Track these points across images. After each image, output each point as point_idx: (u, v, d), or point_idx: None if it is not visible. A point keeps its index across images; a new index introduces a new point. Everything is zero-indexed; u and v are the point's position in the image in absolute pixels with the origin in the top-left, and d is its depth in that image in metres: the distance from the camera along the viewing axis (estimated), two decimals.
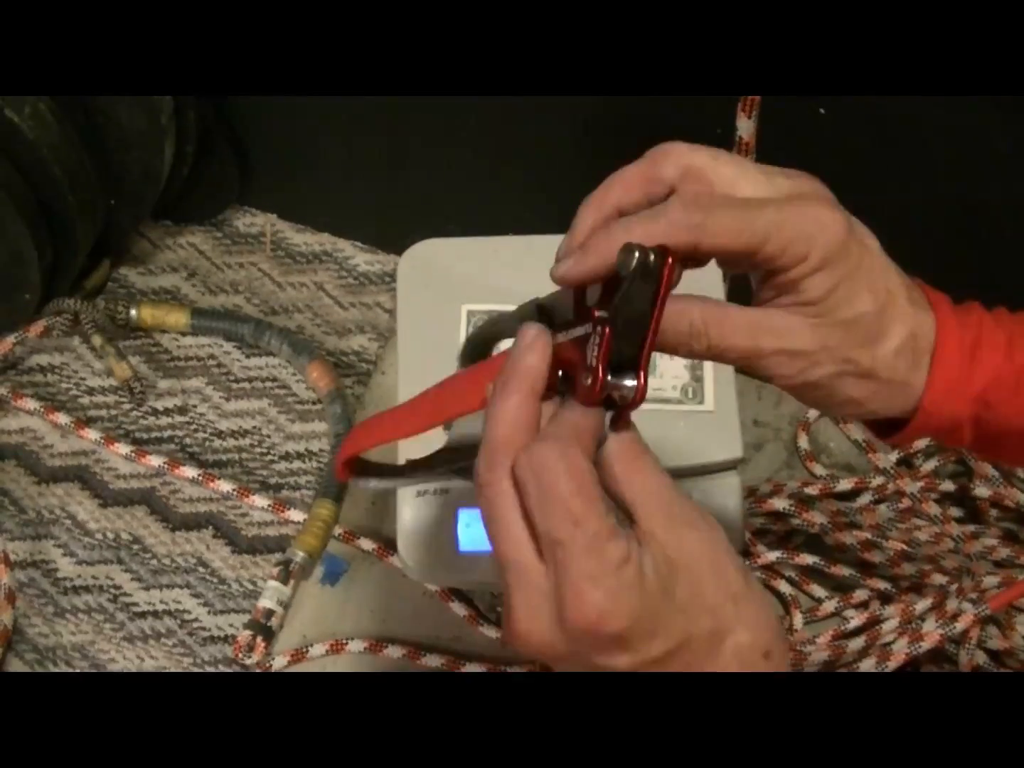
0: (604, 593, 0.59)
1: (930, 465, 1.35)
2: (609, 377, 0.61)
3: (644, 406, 0.92)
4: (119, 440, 1.41)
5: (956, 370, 0.71)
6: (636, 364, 0.62)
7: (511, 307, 1.06)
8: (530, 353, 0.64)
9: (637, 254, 0.60)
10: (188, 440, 1.43)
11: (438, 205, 1.43)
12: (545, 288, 1.08)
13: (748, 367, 0.69)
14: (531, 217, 1.14)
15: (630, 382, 0.61)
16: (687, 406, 1.04)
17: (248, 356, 1.48)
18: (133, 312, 1.47)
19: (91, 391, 1.46)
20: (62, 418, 1.42)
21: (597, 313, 0.62)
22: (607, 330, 0.61)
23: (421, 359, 1.06)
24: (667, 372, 1.04)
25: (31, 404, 1.43)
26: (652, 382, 1.04)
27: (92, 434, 1.41)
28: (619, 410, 0.63)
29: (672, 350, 0.68)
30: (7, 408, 1.44)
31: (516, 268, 1.08)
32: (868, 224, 0.70)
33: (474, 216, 1.22)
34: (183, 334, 1.49)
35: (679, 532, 0.61)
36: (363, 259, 1.55)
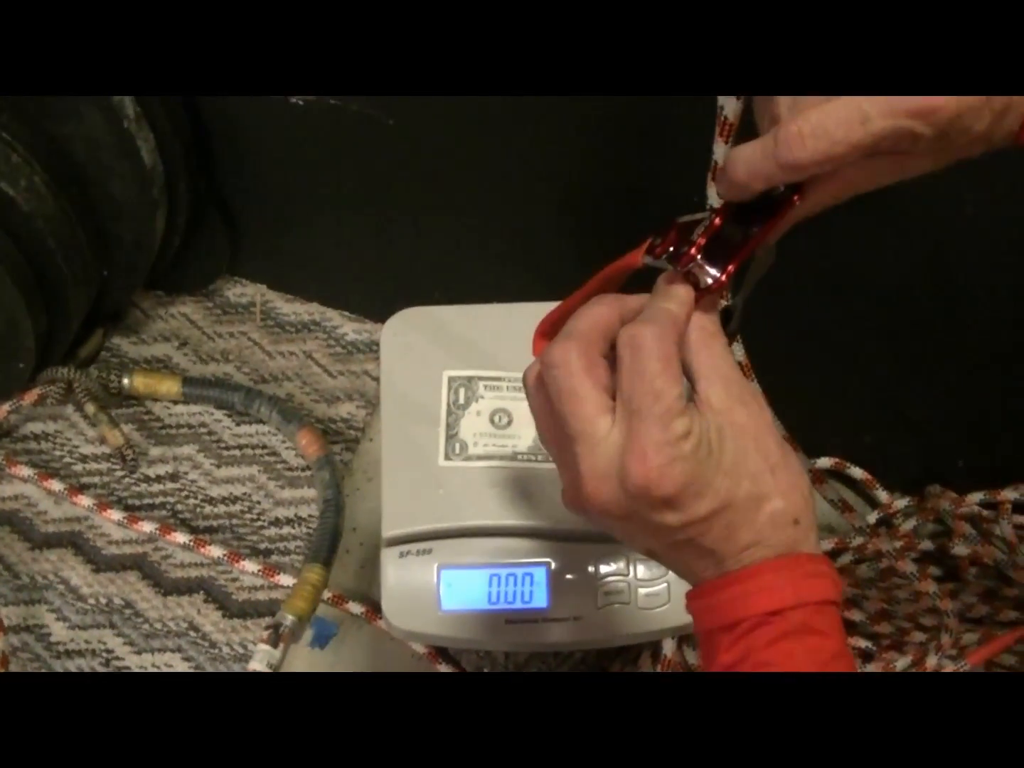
0: (664, 460, 0.68)
1: (909, 525, 1.37)
2: (699, 257, 0.71)
3: None
4: (112, 506, 1.43)
5: None
6: (727, 261, 0.71)
7: (492, 372, 1.10)
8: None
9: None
10: (180, 506, 1.45)
11: (423, 275, 1.45)
12: (523, 355, 1.11)
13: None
14: (512, 286, 1.17)
15: (713, 270, 0.71)
16: None
17: (239, 424, 1.51)
18: (126, 380, 1.49)
19: (84, 458, 1.48)
20: (56, 485, 1.44)
21: (716, 207, 0.73)
22: (716, 220, 0.72)
23: (404, 422, 1.09)
24: None
25: (25, 471, 1.45)
26: None
27: (85, 500, 1.43)
28: (700, 293, 0.72)
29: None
30: (1, 475, 1.46)
31: (496, 335, 1.11)
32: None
33: (458, 285, 1.24)
34: (175, 402, 1.51)
35: (732, 405, 0.71)
36: (351, 328, 1.58)
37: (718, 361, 0.72)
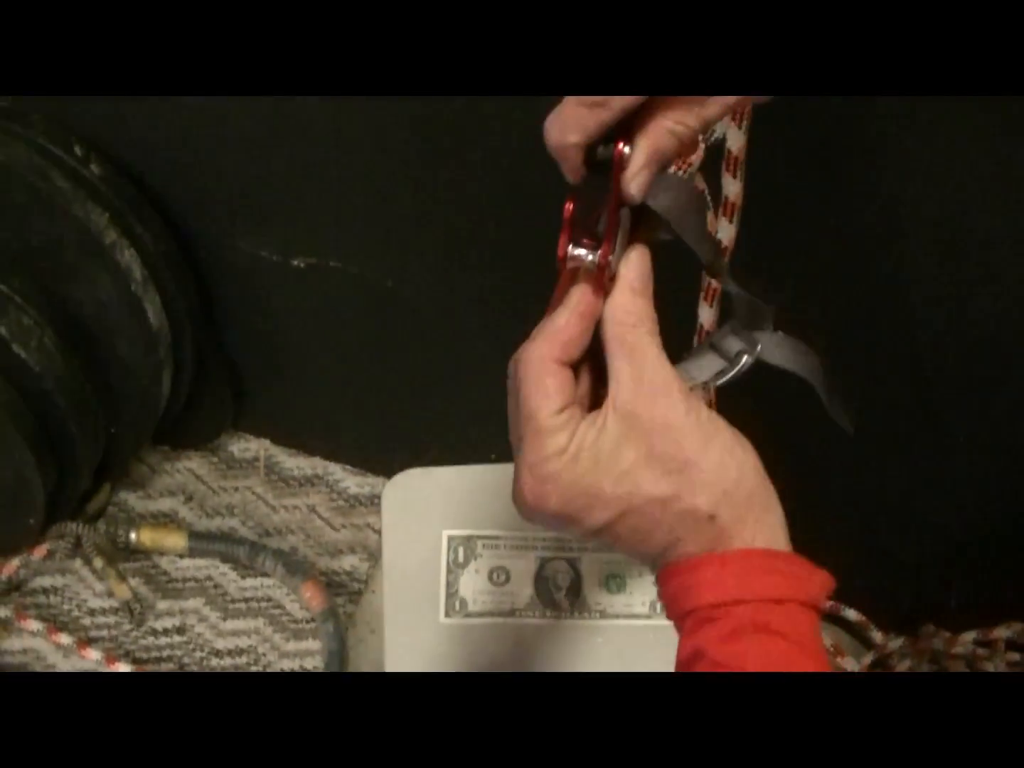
0: (536, 480, 0.67)
1: (904, 665, 1.37)
2: (571, 249, 0.68)
3: (616, 621, 0.98)
4: (119, 659, 1.44)
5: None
6: (603, 237, 0.68)
7: (490, 532, 1.12)
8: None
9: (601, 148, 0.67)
10: (186, 659, 1.46)
11: (423, 431, 1.48)
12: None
13: None
14: (508, 445, 1.19)
15: (583, 251, 0.68)
16: (655, 620, 1.08)
17: (244, 577, 1.52)
18: (133, 535, 1.51)
19: (92, 612, 1.49)
20: (64, 639, 1.45)
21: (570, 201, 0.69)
22: (569, 206, 0.68)
23: (405, 581, 1.11)
24: (636, 589, 1.09)
25: (34, 625, 1.46)
26: (621, 599, 1.09)
27: (93, 654, 1.44)
28: (598, 280, 0.68)
29: None
30: (11, 628, 1.47)
31: (493, 495, 1.13)
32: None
33: (456, 440, 1.26)
34: (181, 556, 1.53)
35: (638, 405, 0.67)
36: (353, 482, 1.59)
37: (631, 357, 0.68)
